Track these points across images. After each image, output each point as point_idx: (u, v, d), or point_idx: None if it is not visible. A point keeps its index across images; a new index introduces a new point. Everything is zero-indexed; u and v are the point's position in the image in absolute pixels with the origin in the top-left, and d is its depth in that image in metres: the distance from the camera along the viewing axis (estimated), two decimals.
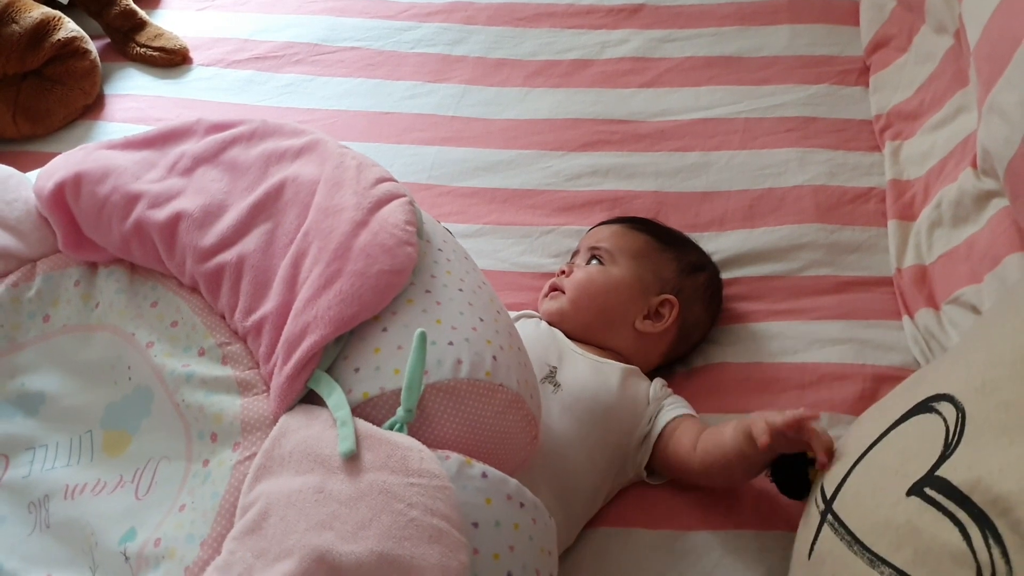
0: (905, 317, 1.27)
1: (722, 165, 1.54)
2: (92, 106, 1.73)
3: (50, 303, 1.09)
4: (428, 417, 0.88)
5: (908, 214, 1.38)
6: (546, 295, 1.28)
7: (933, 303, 1.26)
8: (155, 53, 1.82)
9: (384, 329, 0.93)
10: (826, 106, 1.63)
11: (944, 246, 1.29)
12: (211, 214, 1.03)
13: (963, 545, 0.68)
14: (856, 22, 1.79)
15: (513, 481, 0.88)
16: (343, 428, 0.85)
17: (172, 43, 1.82)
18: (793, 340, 1.28)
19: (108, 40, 1.87)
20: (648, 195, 1.50)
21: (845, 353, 1.25)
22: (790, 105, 1.64)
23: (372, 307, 0.93)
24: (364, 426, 0.86)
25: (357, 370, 0.91)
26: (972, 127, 1.32)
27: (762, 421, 0.97)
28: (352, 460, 0.83)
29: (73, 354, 1.06)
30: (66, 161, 1.12)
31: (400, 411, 0.87)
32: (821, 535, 0.87)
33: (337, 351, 0.93)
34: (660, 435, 1.12)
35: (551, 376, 1.14)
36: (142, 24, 1.86)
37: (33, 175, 1.16)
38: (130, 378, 1.02)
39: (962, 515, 0.69)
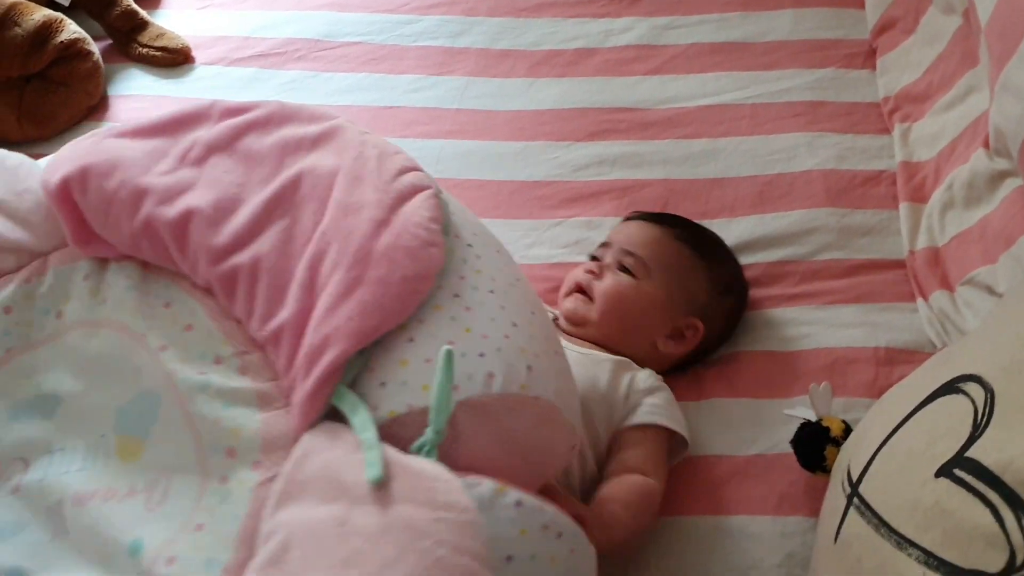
0: (919, 299, 1.27)
1: (731, 151, 1.53)
2: (96, 107, 1.73)
3: (62, 299, 1.04)
4: (459, 436, 0.83)
5: (919, 196, 1.38)
6: (569, 292, 1.25)
7: (947, 285, 1.25)
8: (157, 53, 1.81)
9: (411, 340, 0.88)
10: (833, 90, 1.62)
11: (957, 227, 1.28)
12: (224, 210, 0.97)
13: (995, 527, 0.67)
14: (861, 5, 1.78)
15: (551, 509, 0.83)
16: (369, 452, 0.80)
17: (174, 43, 1.82)
18: (807, 325, 1.27)
19: (110, 41, 1.86)
20: (657, 183, 1.49)
21: (859, 337, 1.24)
22: (797, 90, 1.63)
23: (396, 316, 0.88)
24: (391, 453, 0.81)
25: (383, 384, 0.86)
26: (983, 107, 1.31)
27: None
28: (378, 489, 0.78)
29: (83, 352, 1.02)
30: (73, 152, 1.06)
31: (429, 432, 0.81)
32: (847, 519, 0.86)
33: (361, 363, 0.88)
34: (616, 435, 1.12)
35: None
36: (144, 24, 1.85)
37: (44, 162, 1.11)
38: (138, 381, 0.98)
39: (994, 496, 0.68)
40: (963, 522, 0.70)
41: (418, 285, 0.89)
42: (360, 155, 0.99)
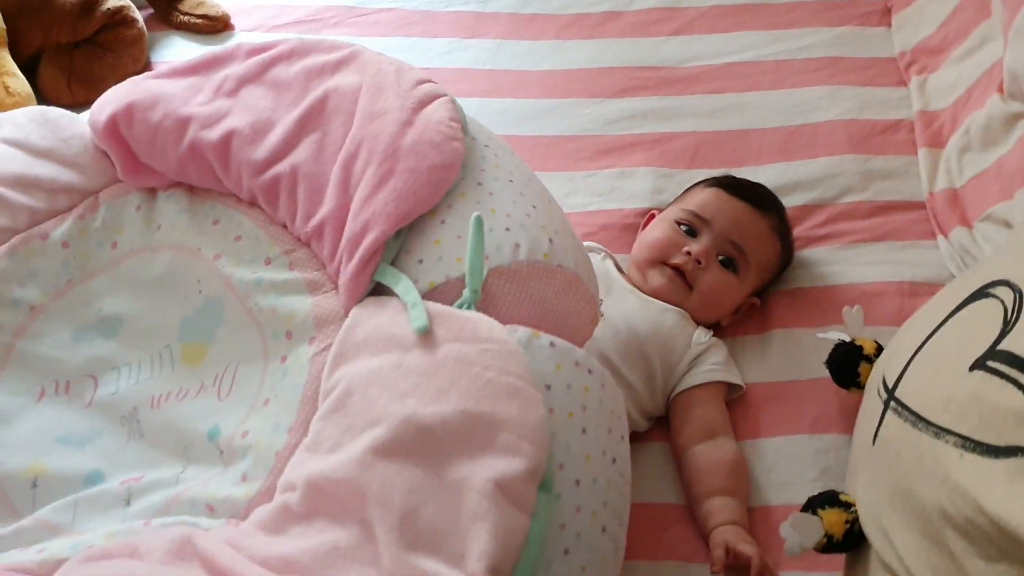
0: (940, 236, 1.34)
1: (755, 105, 1.61)
2: (141, 72, 1.78)
3: (115, 230, 1.14)
4: (493, 300, 0.93)
5: (937, 142, 1.45)
6: (659, 262, 1.26)
7: (966, 222, 1.32)
8: (198, 20, 1.88)
9: (442, 222, 0.98)
10: (852, 46, 1.70)
11: (974, 169, 1.35)
12: (260, 130, 1.07)
13: None
14: None
15: (580, 350, 0.92)
16: (414, 309, 0.90)
17: (214, 10, 1.88)
18: (834, 264, 1.35)
19: (152, 10, 1.93)
20: (686, 135, 1.57)
21: (884, 272, 1.31)
22: (817, 46, 1.70)
23: (427, 201, 0.98)
24: (433, 306, 0.91)
25: (421, 262, 0.96)
26: (997, 56, 1.38)
27: (721, 541, 1.04)
28: (426, 336, 0.87)
29: (142, 275, 1.11)
30: (116, 94, 1.16)
31: (466, 292, 0.91)
32: (885, 421, 0.93)
33: (398, 245, 0.98)
34: (680, 393, 1.19)
35: None
36: None
37: (85, 115, 1.21)
38: (200, 291, 1.07)
39: None
40: (998, 407, 0.77)
41: (445, 173, 0.99)
42: (379, 71, 1.08)
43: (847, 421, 1.13)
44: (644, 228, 1.36)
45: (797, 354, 1.24)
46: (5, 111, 1.33)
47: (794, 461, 1.15)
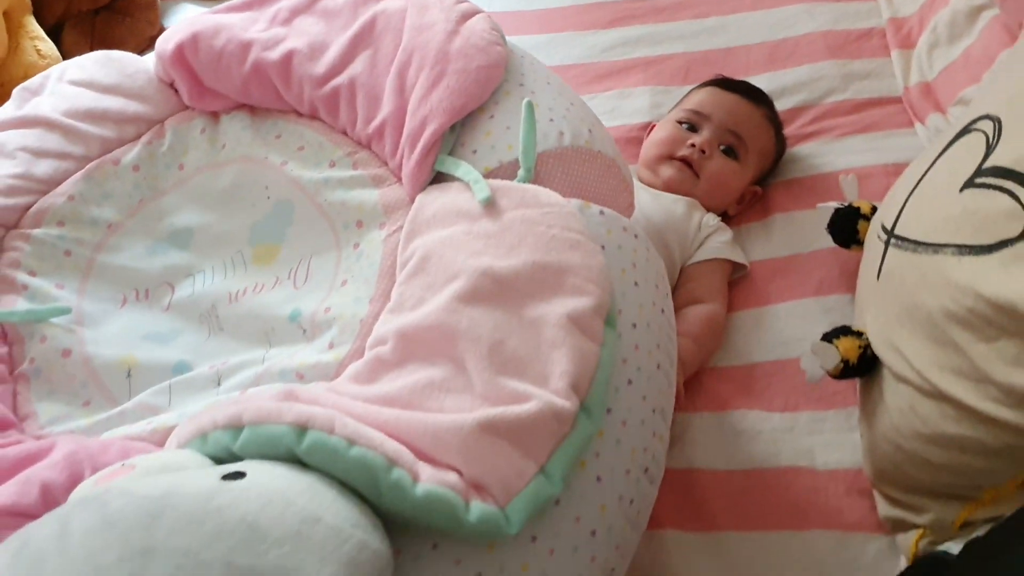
0: (917, 124, 1.47)
1: (739, 25, 1.74)
2: (156, 36, 1.88)
3: (181, 153, 1.24)
4: (543, 181, 1.02)
5: (907, 43, 1.59)
6: (667, 157, 1.40)
7: (940, 108, 1.45)
8: None
9: (491, 116, 1.08)
10: None
11: (943, 62, 1.49)
12: (317, 49, 1.18)
13: (1015, 205, 0.85)
14: None
15: (626, 218, 1.02)
16: (477, 184, 0.99)
17: None
18: (823, 156, 1.48)
19: None
20: (678, 56, 1.70)
21: (870, 158, 1.44)
22: None
23: (478, 97, 1.07)
24: (493, 181, 1.00)
25: (475, 152, 1.06)
26: None
27: None
28: (490, 206, 0.97)
29: (210, 189, 1.21)
30: (179, 27, 1.26)
31: (520, 172, 1.00)
32: (887, 257, 1.05)
33: (453, 139, 1.07)
34: (684, 269, 1.32)
35: None
36: None
37: (147, 55, 1.32)
38: (268, 196, 1.17)
39: (1010, 184, 0.86)
40: (988, 213, 0.88)
41: (491, 72, 1.09)
42: None
43: (849, 282, 1.25)
44: (647, 138, 1.48)
45: (797, 232, 1.37)
46: (39, 72, 1.43)
47: (804, 320, 1.26)
